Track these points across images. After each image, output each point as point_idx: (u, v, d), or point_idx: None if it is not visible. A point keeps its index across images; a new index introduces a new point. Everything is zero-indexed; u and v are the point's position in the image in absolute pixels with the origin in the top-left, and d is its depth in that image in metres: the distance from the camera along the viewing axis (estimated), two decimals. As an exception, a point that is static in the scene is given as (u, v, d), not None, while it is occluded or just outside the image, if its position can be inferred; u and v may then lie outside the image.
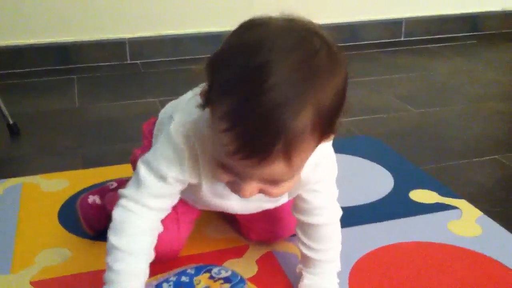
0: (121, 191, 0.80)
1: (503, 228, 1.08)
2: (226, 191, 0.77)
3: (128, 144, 1.49)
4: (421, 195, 1.20)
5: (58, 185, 1.25)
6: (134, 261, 0.77)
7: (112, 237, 0.77)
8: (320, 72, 0.61)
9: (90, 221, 1.05)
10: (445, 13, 2.62)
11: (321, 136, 0.64)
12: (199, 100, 0.67)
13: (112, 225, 0.78)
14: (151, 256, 0.80)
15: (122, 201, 0.79)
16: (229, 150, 0.61)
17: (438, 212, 1.14)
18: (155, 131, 0.99)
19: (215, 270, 0.89)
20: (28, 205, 1.17)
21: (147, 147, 0.99)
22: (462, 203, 1.17)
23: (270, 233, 1.00)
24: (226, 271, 0.89)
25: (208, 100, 0.65)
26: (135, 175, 0.79)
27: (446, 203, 1.17)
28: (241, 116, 0.59)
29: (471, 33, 2.67)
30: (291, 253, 0.99)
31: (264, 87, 0.58)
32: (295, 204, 0.87)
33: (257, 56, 0.59)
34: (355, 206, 1.15)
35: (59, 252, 1.01)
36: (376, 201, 1.19)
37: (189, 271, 0.89)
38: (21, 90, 1.95)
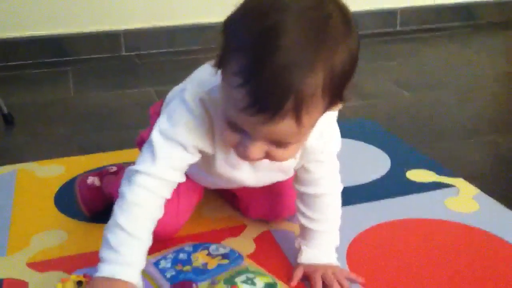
0: (133, 167, 0.76)
1: (500, 204, 1.08)
2: (239, 162, 0.79)
3: (123, 131, 1.49)
4: (418, 175, 1.20)
5: (54, 171, 1.24)
6: (138, 247, 0.75)
7: (120, 217, 0.74)
8: (333, 34, 0.62)
9: (87, 202, 1.05)
10: (440, 3, 2.62)
11: (331, 100, 0.65)
12: (210, 68, 0.68)
13: (121, 203, 0.75)
14: (150, 243, 0.78)
15: (136, 178, 0.75)
16: (241, 105, 0.62)
17: (435, 190, 1.14)
18: (162, 108, 0.98)
19: (213, 247, 0.89)
20: (23, 190, 1.16)
21: None
22: (459, 182, 1.17)
23: (269, 210, 1.00)
24: (224, 248, 0.89)
25: (221, 60, 0.65)
26: (147, 150, 0.76)
27: (443, 181, 1.17)
28: (254, 72, 0.60)
29: (466, 22, 2.67)
30: (289, 231, 0.99)
31: (278, 45, 0.59)
32: (298, 175, 0.87)
33: (271, 16, 0.60)
34: (353, 186, 1.15)
35: (55, 234, 1.00)
36: (373, 181, 1.19)
37: (187, 248, 0.89)
38: (16, 82, 1.94)
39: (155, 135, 0.76)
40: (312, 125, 0.68)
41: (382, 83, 1.86)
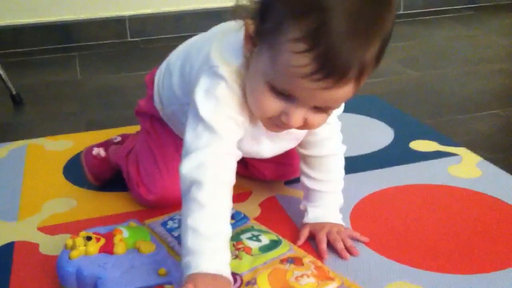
0: (199, 154, 0.71)
1: (503, 171, 1.09)
2: (261, 135, 0.81)
3: (130, 110, 1.49)
4: (421, 145, 1.21)
5: (63, 145, 1.26)
6: (228, 233, 0.71)
7: (209, 204, 0.68)
8: (385, 4, 0.64)
9: (94, 171, 1.07)
10: (444, -15, 2.62)
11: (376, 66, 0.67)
12: (234, 34, 0.70)
13: (200, 189, 0.69)
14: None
15: (208, 157, 0.71)
16: (305, 71, 0.62)
17: (438, 159, 1.15)
18: (160, 76, 0.99)
19: None
20: (33, 162, 1.18)
21: (151, 96, 1.00)
22: (462, 151, 1.18)
23: (282, 171, 1.02)
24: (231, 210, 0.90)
25: (271, 28, 0.65)
26: (204, 131, 0.72)
27: (446, 150, 1.18)
28: (322, 37, 0.61)
29: (469, 5, 2.66)
30: (294, 197, 1.01)
31: (343, 11, 0.60)
32: (302, 139, 0.88)
33: None
34: (356, 156, 1.16)
35: (65, 202, 1.03)
36: (376, 151, 1.20)
37: None
38: (24, 66, 1.97)
39: (206, 115, 0.72)
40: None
41: (388, 63, 1.87)
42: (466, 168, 1.10)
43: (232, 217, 0.88)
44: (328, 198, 0.89)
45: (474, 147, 1.19)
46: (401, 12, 2.58)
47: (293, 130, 0.76)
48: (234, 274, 0.72)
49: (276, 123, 0.72)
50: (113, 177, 1.08)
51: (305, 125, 0.71)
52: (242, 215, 0.89)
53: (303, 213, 0.91)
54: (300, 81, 0.64)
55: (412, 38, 2.19)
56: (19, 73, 1.84)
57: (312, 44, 0.61)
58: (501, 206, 0.97)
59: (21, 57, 2.07)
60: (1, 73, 1.57)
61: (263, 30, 0.66)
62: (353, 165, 1.08)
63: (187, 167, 0.71)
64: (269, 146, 0.85)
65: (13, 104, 1.57)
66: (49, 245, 0.89)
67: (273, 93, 0.68)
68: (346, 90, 0.65)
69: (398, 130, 1.29)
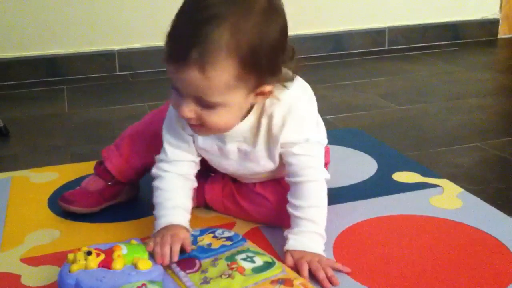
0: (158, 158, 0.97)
1: (483, 201, 1.11)
2: (229, 153, 0.94)
3: (117, 142, 1.51)
4: (403, 176, 1.23)
5: (48, 177, 1.27)
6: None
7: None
8: (252, 7, 0.76)
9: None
10: (427, 22, 2.69)
11: (243, 64, 0.76)
12: None
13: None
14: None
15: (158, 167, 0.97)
16: (164, 58, 0.78)
17: (421, 190, 1.16)
18: None
19: (218, 231, 0.94)
20: (18, 194, 1.19)
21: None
22: (443, 182, 1.20)
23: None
24: (229, 232, 0.93)
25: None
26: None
27: (428, 182, 1.20)
28: (173, 27, 0.77)
29: (452, 41, 2.73)
30: (278, 228, 1.01)
31: (197, 7, 0.76)
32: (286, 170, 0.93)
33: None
34: (339, 187, 1.18)
35: (49, 233, 1.03)
36: (359, 182, 1.22)
37: (194, 232, 0.93)
38: (11, 99, 1.98)
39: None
40: (226, 83, 0.77)
41: (371, 97, 1.91)
42: (448, 199, 1.12)
43: (230, 238, 0.90)
44: (308, 226, 0.90)
45: (455, 179, 1.21)
46: (385, 47, 2.64)
47: (245, 148, 0.91)
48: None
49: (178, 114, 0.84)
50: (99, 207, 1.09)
51: (202, 121, 0.82)
52: (240, 237, 0.91)
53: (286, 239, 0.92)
54: (167, 69, 0.79)
55: (395, 73, 2.24)
56: (6, 107, 1.85)
57: (168, 35, 0.78)
58: (481, 236, 0.98)
59: (8, 90, 2.09)
60: (-12, 105, 1.59)
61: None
62: (337, 196, 1.10)
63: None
64: (230, 161, 0.95)
65: (0, 136, 1.58)
66: (31, 276, 0.88)
67: (173, 89, 0.82)
68: (194, 74, 0.75)
69: (381, 162, 1.31)
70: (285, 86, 0.88)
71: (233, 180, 1.06)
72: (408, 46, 2.65)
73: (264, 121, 0.89)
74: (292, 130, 0.88)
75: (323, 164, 0.94)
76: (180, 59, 0.75)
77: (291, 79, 0.88)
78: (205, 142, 0.94)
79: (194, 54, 0.74)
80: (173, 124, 0.95)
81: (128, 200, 1.14)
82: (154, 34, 2.31)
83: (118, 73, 2.30)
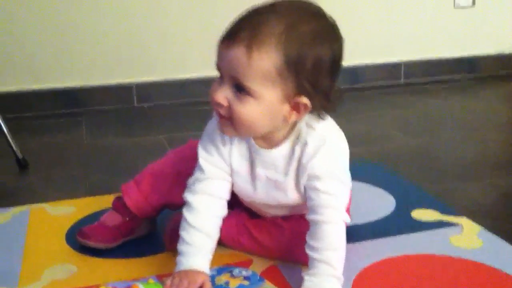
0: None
1: (503, 240, 1.09)
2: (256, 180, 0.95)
3: (135, 175, 1.52)
4: (422, 214, 1.22)
5: (65, 211, 1.27)
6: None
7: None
8: (314, 19, 0.83)
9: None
10: (443, 56, 2.70)
11: (287, 62, 0.79)
12: None
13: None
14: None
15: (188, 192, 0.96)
16: (219, 39, 0.82)
17: (440, 228, 1.15)
18: None
19: (236, 270, 0.95)
20: (35, 227, 1.19)
21: None
22: (463, 220, 1.18)
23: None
24: (246, 271, 0.93)
25: None
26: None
27: (447, 220, 1.19)
28: (235, 19, 0.82)
29: (468, 74, 2.73)
30: (296, 267, 1.00)
31: (264, 5, 0.83)
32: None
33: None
34: (357, 225, 1.16)
35: (66, 268, 1.03)
36: (378, 220, 1.21)
37: (212, 272, 0.92)
38: (31, 130, 2.01)
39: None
40: (266, 71, 0.80)
41: (387, 130, 1.91)
42: (467, 238, 1.10)
43: (248, 278, 0.90)
44: (324, 268, 0.88)
45: (474, 215, 1.20)
46: (401, 81, 2.65)
47: (276, 177, 0.92)
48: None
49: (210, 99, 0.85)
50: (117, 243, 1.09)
51: (231, 114, 0.83)
52: (258, 277, 0.91)
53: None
54: (217, 50, 0.83)
55: (411, 106, 2.24)
56: (26, 138, 1.88)
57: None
58: (502, 277, 0.97)
59: (28, 121, 2.12)
60: (9, 137, 1.61)
61: None
62: (355, 234, 1.09)
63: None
64: (256, 189, 0.95)
65: (18, 168, 1.59)
66: (48, 312, 0.88)
67: (217, 78, 0.85)
68: (240, 51, 0.79)
69: (400, 198, 1.30)
70: (322, 118, 0.89)
71: (250, 216, 1.05)
72: (424, 79, 2.66)
73: (297, 149, 0.90)
74: (321, 162, 0.88)
75: (345, 206, 0.93)
76: (231, 36, 0.80)
77: (329, 112, 0.90)
78: (238, 162, 0.94)
79: (245, 34, 0.79)
80: (212, 140, 0.94)
81: (145, 235, 1.14)
82: (171, 67, 2.35)
83: (135, 105, 2.32)
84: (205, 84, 2.38)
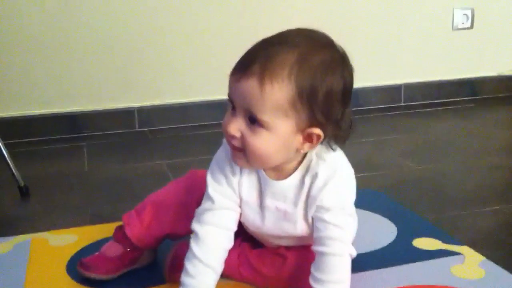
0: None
1: (506, 271, 1.08)
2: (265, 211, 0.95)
3: (136, 202, 1.52)
4: (424, 243, 1.22)
5: (67, 240, 1.27)
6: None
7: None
8: (325, 50, 0.84)
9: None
10: (443, 79, 2.71)
11: (300, 93, 0.80)
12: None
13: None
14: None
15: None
16: (231, 71, 0.83)
17: (441, 258, 1.15)
18: None
19: None
20: (37, 258, 1.19)
21: None
22: (464, 249, 1.18)
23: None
24: None
25: None
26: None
27: (449, 249, 1.18)
28: (248, 50, 0.84)
29: (468, 97, 2.74)
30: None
31: (276, 35, 0.85)
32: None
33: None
34: (360, 254, 1.15)
35: (67, 301, 1.02)
36: (379, 249, 1.20)
37: None
38: (32, 156, 2.01)
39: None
40: (279, 103, 0.80)
41: (388, 155, 1.91)
42: (469, 268, 1.10)
43: None
44: (329, 300, 0.88)
45: (476, 244, 1.19)
46: (402, 103, 2.66)
47: (285, 208, 0.92)
48: None
49: (223, 129, 0.86)
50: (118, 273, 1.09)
51: (243, 143, 0.83)
52: None
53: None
54: (229, 82, 0.83)
55: (412, 130, 2.24)
56: (27, 163, 1.88)
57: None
58: (506, 309, 0.96)
59: (30, 147, 2.13)
60: (10, 163, 1.61)
61: None
62: (356, 264, 1.08)
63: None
64: (263, 220, 0.95)
65: (20, 196, 1.60)
66: None
67: (230, 110, 0.85)
68: (252, 85, 0.79)
69: (401, 227, 1.30)
70: (332, 148, 0.89)
71: (252, 245, 1.05)
72: (424, 102, 2.67)
73: (307, 180, 0.90)
74: (331, 194, 0.88)
75: (352, 239, 0.93)
76: (243, 69, 0.80)
77: (340, 143, 0.90)
78: (248, 192, 0.94)
79: (257, 66, 0.79)
80: (221, 169, 0.94)
81: (146, 265, 1.14)
82: (173, 91, 2.37)
83: (137, 129, 2.33)
84: (206, 108, 2.42)
